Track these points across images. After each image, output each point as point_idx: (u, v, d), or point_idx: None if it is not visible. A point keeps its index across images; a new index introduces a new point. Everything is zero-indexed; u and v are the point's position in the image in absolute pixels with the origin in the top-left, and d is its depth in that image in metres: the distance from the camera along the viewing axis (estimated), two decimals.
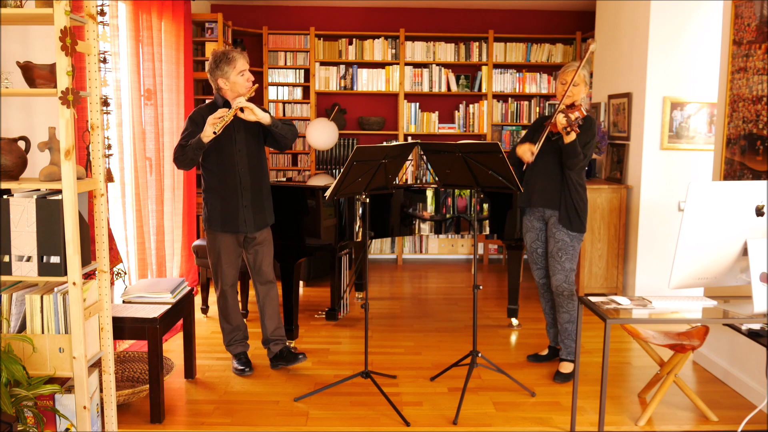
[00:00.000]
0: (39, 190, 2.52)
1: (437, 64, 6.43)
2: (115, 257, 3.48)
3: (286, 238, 3.89)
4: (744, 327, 2.67)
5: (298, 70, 6.41)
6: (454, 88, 6.45)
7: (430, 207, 4.32)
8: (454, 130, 6.53)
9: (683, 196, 4.69)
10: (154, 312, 3.05)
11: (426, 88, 6.44)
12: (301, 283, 5.41)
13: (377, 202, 4.16)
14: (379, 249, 6.70)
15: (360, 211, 4.09)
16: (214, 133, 3.13)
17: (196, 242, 4.59)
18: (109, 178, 3.30)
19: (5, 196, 2.38)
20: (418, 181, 6.23)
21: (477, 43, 6.41)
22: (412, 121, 6.46)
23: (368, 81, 6.42)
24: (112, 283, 3.42)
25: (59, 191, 2.40)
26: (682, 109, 4.73)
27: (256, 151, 3.44)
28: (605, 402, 2.60)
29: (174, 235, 4.71)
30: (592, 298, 2.76)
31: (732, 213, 2.50)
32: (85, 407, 2.47)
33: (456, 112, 6.55)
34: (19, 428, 2.31)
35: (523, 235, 3.69)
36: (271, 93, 6.46)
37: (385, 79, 6.42)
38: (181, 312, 3.33)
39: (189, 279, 4.95)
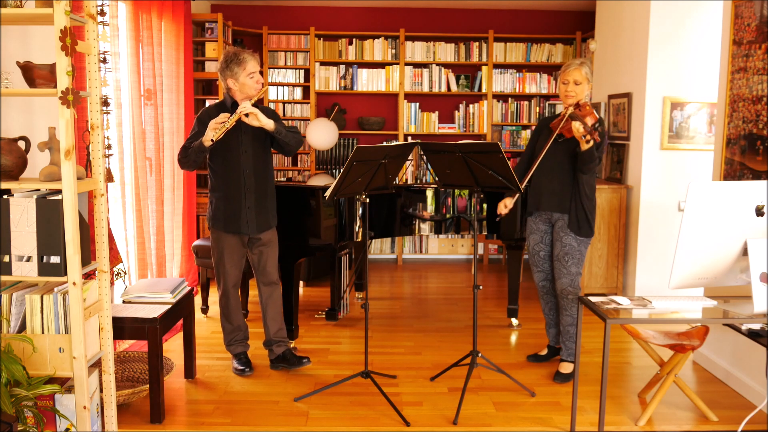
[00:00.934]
0: (39, 190, 2.52)
1: (437, 64, 6.43)
2: (115, 257, 3.48)
3: (286, 238, 3.89)
4: (744, 327, 2.67)
5: (298, 70, 6.41)
6: (454, 88, 6.45)
7: (430, 207, 4.32)
8: (454, 130, 6.53)
9: (683, 196, 4.69)
10: (154, 312, 3.05)
11: (426, 88, 6.44)
12: (301, 283, 5.41)
13: (377, 202, 4.17)
14: (379, 249, 6.71)
15: (360, 211, 4.09)
16: (212, 140, 3.13)
17: (196, 242, 4.59)
18: (109, 178, 3.30)
19: (5, 196, 2.38)
20: (418, 181, 6.23)
21: (477, 43, 6.41)
22: (412, 121, 6.46)
23: (368, 81, 6.42)
24: (112, 283, 3.42)
25: (59, 191, 2.40)
26: (682, 109, 4.73)
27: (262, 154, 3.43)
28: (605, 402, 2.60)
29: (174, 235, 4.71)
30: (592, 298, 2.75)
31: (732, 213, 2.50)
32: (85, 407, 2.47)
33: (456, 112, 6.56)
34: (19, 428, 2.31)
35: (527, 236, 3.67)
36: (271, 93, 6.46)
37: (385, 79, 6.42)
38: (181, 312, 3.33)
39: (189, 279, 4.95)
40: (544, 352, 3.82)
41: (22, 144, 2.50)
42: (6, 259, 2.39)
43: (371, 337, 4.16)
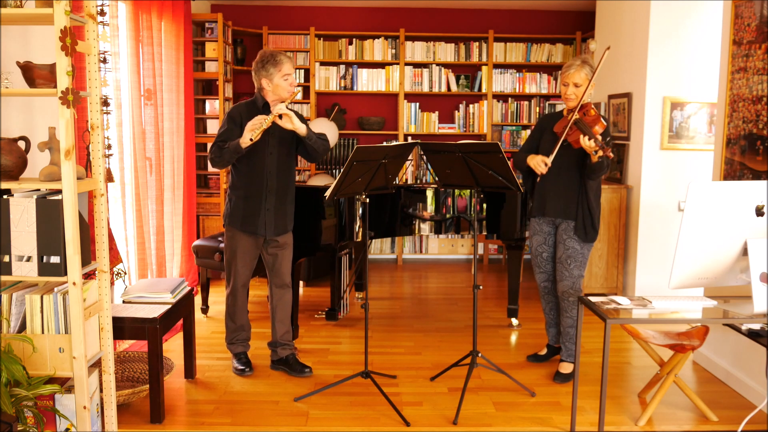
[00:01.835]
0: (39, 190, 2.52)
1: (437, 64, 6.43)
2: (115, 257, 3.48)
3: None
4: (744, 327, 2.68)
5: (298, 70, 6.40)
6: (454, 88, 6.45)
7: (430, 207, 4.32)
8: (454, 130, 6.53)
9: (683, 196, 4.69)
10: (154, 312, 3.05)
11: (426, 88, 6.44)
12: (301, 283, 5.41)
13: (377, 202, 4.17)
14: (379, 249, 6.71)
15: (360, 211, 4.10)
16: (251, 140, 3.13)
17: (196, 242, 4.59)
18: (109, 178, 3.30)
19: (5, 196, 2.38)
20: (418, 181, 6.24)
21: (477, 43, 6.41)
22: (412, 121, 6.46)
23: (368, 81, 6.42)
24: (112, 283, 3.42)
25: (59, 191, 2.40)
26: (682, 109, 4.73)
27: (287, 158, 3.43)
28: (605, 402, 2.60)
29: (174, 235, 4.71)
30: (592, 298, 2.75)
31: (732, 213, 2.50)
32: (85, 407, 2.47)
33: (456, 112, 6.56)
34: (19, 428, 2.31)
35: (530, 237, 3.66)
36: None
37: (385, 79, 6.42)
38: (181, 312, 3.33)
39: (189, 279, 4.95)
40: (544, 351, 3.82)
41: (22, 144, 2.50)
42: (6, 259, 2.39)
43: (371, 337, 4.16)
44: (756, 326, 2.66)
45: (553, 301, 3.69)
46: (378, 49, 6.36)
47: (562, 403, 3.25)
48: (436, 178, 3.52)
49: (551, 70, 6.54)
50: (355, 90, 6.42)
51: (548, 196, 3.45)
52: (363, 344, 3.57)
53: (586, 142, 3.13)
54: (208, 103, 5.81)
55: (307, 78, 6.43)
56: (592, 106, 3.28)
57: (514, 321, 4.48)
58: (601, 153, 3.12)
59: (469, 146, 3.15)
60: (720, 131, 3.66)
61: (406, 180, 6.25)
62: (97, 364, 2.65)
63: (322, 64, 6.42)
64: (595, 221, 3.39)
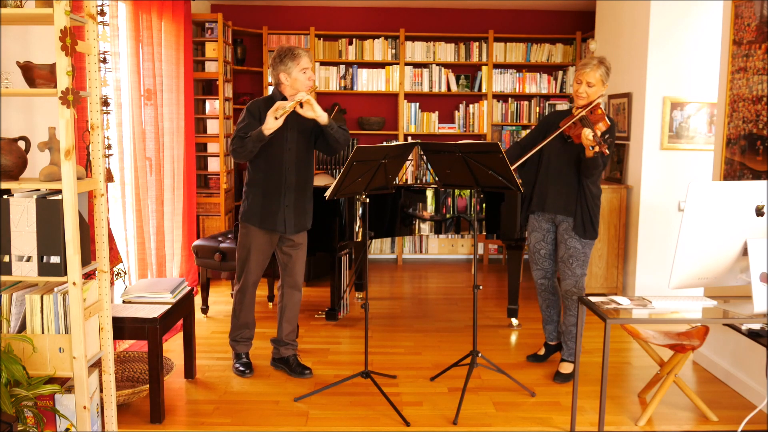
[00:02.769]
0: (39, 190, 2.52)
1: (437, 64, 6.43)
2: (115, 257, 3.48)
3: None
4: (744, 327, 2.68)
5: None
6: (454, 88, 6.45)
7: (430, 207, 4.32)
8: (454, 130, 6.52)
9: (683, 196, 4.69)
10: (154, 312, 3.05)
11: (426, 88, 6.44)
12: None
13: (377, 202, 4.17)
14: (379, 249, 6.70)
15: (360, 211, 4.10)
16: (276, 118, 3.09)
17: (196, 242, 4.59)
18: (109, 178, 3.30)
19: (5, 196, 2.38)
20: (418, 181, 6.24)
21: (477, 43, 6.41)
22: (412, 121, 6.46)
23: (368, 81, 6.42)
24: (112, 283, 3.42)
25: (59, 191, 2.40)
26: (682, 109, 4.73)
27: (305, 153, 3.41)
28: (605, 402, 2.60)
29: (174, 235, 4.71)
30: (592, 298, 2.76)
31: (732, 213, 2.50)
32: (85, 407, 2.47)
33: (456, 112, 6.56)
34: (19, 428, 2.31)
35: (528, 234, 3.66)
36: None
37: (385, 79, 6.42)
38: (181, 312, 3.33)
39: (189, 279, 4.95)
40: (542, 351, 3.82)
41: (22, 144, 2.50)
42: (6, 259, 2.40)
43: (371, 337, 4.16)
44: (756, 326, 2.66)
45: (551, 299, 3.68)
46: (378, 49, 6.36)
47: (562, 403, 3.25)
48: (436, 178, 3.51)
49: (551, 70, 6.54)
50: (355, 90, 6.42)
51: (548, 192, 3.45)
52: (363, 344, 3.57)
53: (584, 134, 3.15)
54: (208, 103, 5.81)
55: None
56: (601, 107, 3.29)
57: (514, 321, 4.48)
58: (597, 148, 3.12)
59: (469, 146, 3.14)
60: (720, 131, 3.66)
61: (406, 180, 6.25)
62: (97, 364, 2.65)
63: (322, 64, 6.42)
64: (594, 218, 3.39)
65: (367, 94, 6.55)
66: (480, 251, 6.59)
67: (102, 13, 3.15)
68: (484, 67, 6.41)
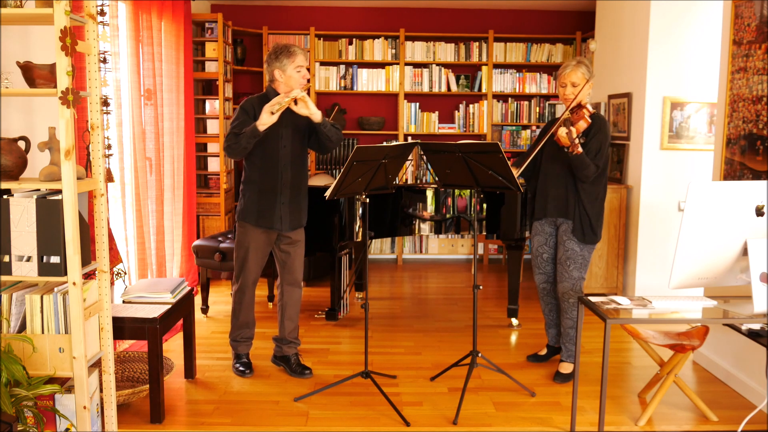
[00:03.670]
0: (39, 190, 2.52)
1: (437, 64, 6.43)
2: (115, 257, 3.48)
3: None
4: (744, 327, 2.67)
5: None
6: (454, 88, 6.45)
7: (430, 207, 4.32)
8: (454, 130, 6.53)
9: (683, 196, 4.69)
10: (154, 312, 3.05)
11: (426, 88, 6.44)
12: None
13: (377, 202, 4.17)
14: (379, 249, 6.71)
15: (360, 211, 4.10)
16: (272, 113, 3.11)
17: (196, 242, 4.59)
18: (109, 178, 3.30)
19: (5, 196, 2.38)
20: (418, 181, 6.24)
21: (477, 43, 6.41)
22: (412, 121, 6.46)
23: (368, 81, 6.42)
24: (112, 283, 3.42)
25: (59, 191, 2.40)
26: (682, 109, 4.73)
27: (300, 150, 3.43)
28: (605, 402, 2.60)
29: (174, 235, 4.71)
30: (592, 298, 2.76)
31: (732, 213, 2.50)
32: (85, 407, 2.47)
33: (456, 112, 6.56)
34: (19, 428, 2.31)
35: (531, 238, 3.66)
36: None
37: (385, 79, 6.42)
38: (181, 312, 3.33)
39: (189, 279, 4.95)
40: (544, 351, 3.82)
41: (22, 144, 2.50)
42: (6, 259, 2.40)
43: (371, 337, 4.16)
44: (756, 326, 2.66)
45: (552, 303, 3.69)
46: (378, 49, 6.36)
47: (562, 403, 3.25)
48: (436, 178, 3.52)
49: (551, 70, 6.54)
50: (355, 90, 6.42)
51: (548, 198, 3.46)
52: (363, 344, 3.57)
53: (560, 133, 3.19)
54: (208, 103, 5.81)
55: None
56: (586, 107, 3.30)
57: (514, 321, 4.48)
58: (571, 149, 3.17)
59: (469, 146, 3.15)
60: (720, 131, 3.66)
61: (406, 180, 6.25)
62: (97, 364, 2.65)
63: (322, 64, 6.42)
64: (594, 222, 3.38)
65: (367, 94, 6.55)
66: (480, 251, 6.59)
67: (102, 13, 3.15)
68: (484, 67, 6.41)
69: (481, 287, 3.42)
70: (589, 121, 3.26)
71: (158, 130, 4.42)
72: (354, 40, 6.38)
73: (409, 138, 6.52)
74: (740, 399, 3.33)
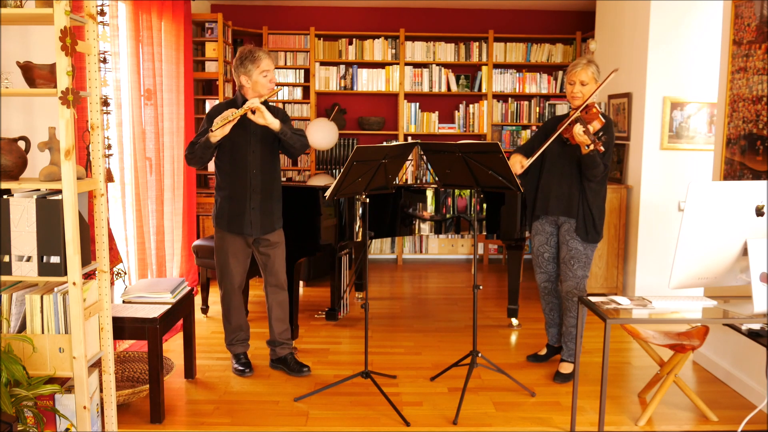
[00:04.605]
0: (39, 190, 2.52)
1: (437, 64, 6.43)
2: (115, 257, 3.48)
3: (286, 238, 3.89)
4: (744, 327, 2.67)
5: (298, 70, 6.41)
6: (454, 88, 6.45)
7: (430, 207, 4.32)
8: (454, 130, 6.53)
9: (683, 196, 4.69)
10: (154, 312, 3.05)
11: (426, 88, 6.44)
12: (301, 283, 5.41)
13: (377, 202, 4.16)
14: (379, 249, 6.70)
15: (360, 211, 4.10)
16: (210, 130, 3.11)
17: (196, 242, 4.59)
18: (109, 178, 3.30)
19: (5, 196, 2.38)
20: (418, 181, 6.24)
21: (477, 43, 6.41)
22: (412, 121, 6.46)
23: (368, 81, 6.42)
24: (112, 283, 3.42)
25: (59, 191, 2.40)
26: (682, 109, 4.73)
27: (270, 155, 3.41)
28: (605, 402, 2.60)
29: (174, 235, 4.71)
30: (592, 298, 2.76)
31: (732, 213, 2.50)
32: (85, 407, 2.47)
33: (456, 112, 6.56)
34: (19, 428, 2.31)
35: (532, 237, 3.66)
36: None
37: (385, 79, 6.42)
38: (181, 312, 3.33)
39: (189, 279, 4.95)
40: (544, 351, 3.82)
41: (22, 144, 2.50)
42: (6, 259, 2.39)
43: (371, 337, 4.16)
44: (756, 326, 2.66)
45: (554, 302, 3.69)
46: (378, 49, 6.36)
47: (562, 403, 3.25)
48: (436, 178, 3.52)
49: (551, 70, 6.54)
50: (355, 90, 6.42)
51: (551, 196, 3.46)
52: (363, 344, 3.57)
53: (576, 130, 3.15)
54: (208, 103, 5.81)
55: (307, 78, 6.44)
56: (596, 106, 3.29)
57: (514, 321, 4.48)
58: (592, 146, 3.13)
59: (469, 146, 3.15)
60: (720, 131, 3.66)
61: (406, 180, 6.25)
62: (97, 364, 2.65)
63: (322, 64, 6.42)
64: (597, 222, 3.39)
65: (367, 94, 6.55)
66: (480, 251, 6.59)
67: (102, 13, 3.15)
68: (484, 67, 6.41)
69: (481, 287, 3.42)
70: (603, 121, 3.23)
71: (158, 130, 4.42)
72: (354, 40, 6.38)
73: (409, 138, 6.52)
74: (740, 399, 3.33)
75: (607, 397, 3.12)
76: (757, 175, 3.29)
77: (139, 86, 4.16)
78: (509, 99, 6.51)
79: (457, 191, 4.31)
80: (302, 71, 6.42)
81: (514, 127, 6.55)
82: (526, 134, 6.54)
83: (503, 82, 6.45)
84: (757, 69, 3.29)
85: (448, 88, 6.46)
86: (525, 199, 4.22)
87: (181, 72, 4.81)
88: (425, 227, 4.34)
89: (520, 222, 4.29)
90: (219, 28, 5.63)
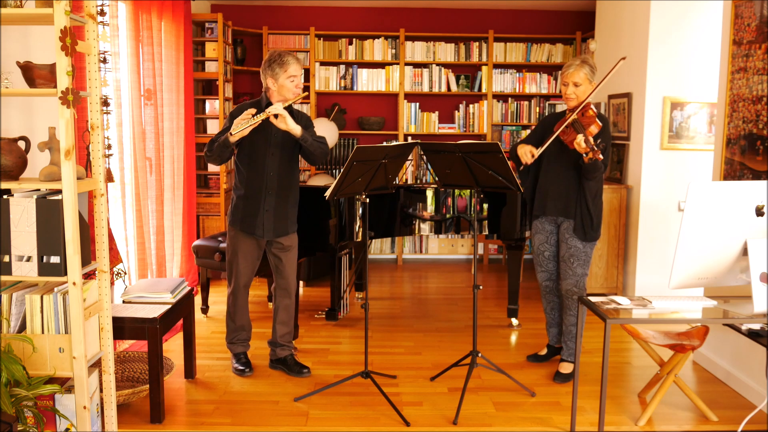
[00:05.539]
0: (39, 190, 2.52)
1: (437, 64, 6.43)
2: (115, 257, 3.48)
3: None
4: (744, 327, 2.68)
5: None
6: (454, 88, 6.45)
7: (430, 207, 4.32)
8: (454, 130, 6.52)
9: (683, 196, 4.69)
10: (154, 312, 3.05)
11: (426, 88, 6.44)
12: (301, 283, 5.41)
13: (377, 202, 4.16)
14: (379, 249, 6.70)
15: (360, 211, 4.10)
16: (231, 133, 3.13)
17: (196, 242, 4.59)
18: (109, 178, 3.29)
19: (5, 196, 2.38)
20: (418, 181, 6.23)
21: (477, 43, 6.41)
22: (412, 121, 6.46)
23: (368, 81, 6.42)
24: (112, 283, 3.42)
25: (59, 191, 2.40)
26: (682, 109, 4.73)
27: (289, 159, 3.42)
28: (605, 402, 2.60)
29: (174, 235, 4.71)
30: (592, 298, 2.76)
31: (732, 213, 2.50)
32: (85, 407, 2.47)
33: (456, 112, 6.56)
34: (19, 428, 2.31)
35: (532, 236, 3.66)
36: None
37: (385, 79, 6.42)
38: (181, 312, 3.33)
39: (189, 279, 4.95)
40: (544, 351, 3.82)
41: (22, 144, 2.50)
42: (6, 259, 2.39)
43: (371, 337, 4.16)
44: (756, 326, 2.66)
45: (555, 301, 3.69)
46: (378, 49, 6.36)
47: (562, 403, 3.25)
48: (436, 178, 3.52)
49: (551, 70, 6.54)
50: (355, 90, 6.42)
51: (549, 196, 3.46)
52: (363, 344, 3.57)
53: (577, 142, 3.15)
54: (208, 103, 5.81)
55: (307, 78, 6.43)
56: (592, 107, 3.28)
57: (514, 321, 4.48)
58: (591, 155, 3.12)
59: (469, 146, 3.15)
60: (720, 131, 3.66)
61: (406, 180, 6.25)
62: (97, 364, 2.65)
63: (322, 64, 6.42)
64: (595, 221, 3.39)
65: (367, 94, 6.55)
66: (480, 251, 6.59)
67: (102, 13, 3.15)
68: (484, 67, 6.41)
69: (481, 287, 3.42)
70: (600, 124, 3.22)
71: (158, 130, 4.42)
72: (354, 40, 6.38)
73: (409, 138, 6.52)
74: (740, 399, 3.33)
75: (607, 397, 3.12)
76: (757, 175, 3.29)
77: (139, 86, 4.16)
78: (509, 99, 6.51)
79: (457, 191, 4.31)
80: (302, 71, 6.41)
81: (514, 127, 6.55)
82: (525, 134, 6.52)
83: (503, 82, 6.45)
84: (757, 69, 3.29)
85: (448, 88, 6.46)
86: (525, 199, 4.23)
87: (181, 72, 4.81)
88: (425, 227, 4.34)
89: (520, 222, 4.29)
90: (219, 28, 5.63)
